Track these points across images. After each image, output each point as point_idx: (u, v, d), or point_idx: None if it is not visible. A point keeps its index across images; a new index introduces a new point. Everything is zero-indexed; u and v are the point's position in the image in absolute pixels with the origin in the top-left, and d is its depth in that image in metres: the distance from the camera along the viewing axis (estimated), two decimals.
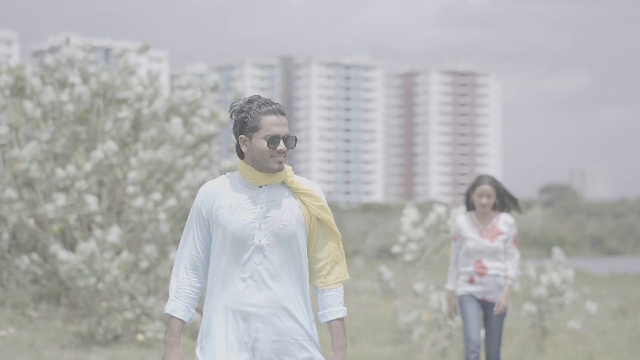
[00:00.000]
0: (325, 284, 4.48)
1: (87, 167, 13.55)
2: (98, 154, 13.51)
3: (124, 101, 14.46)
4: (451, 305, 8.47)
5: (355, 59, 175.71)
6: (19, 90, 14.85)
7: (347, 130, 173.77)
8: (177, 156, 14.04)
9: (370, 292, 19.38)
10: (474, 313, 8.36)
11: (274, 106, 4.45)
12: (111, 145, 13.52)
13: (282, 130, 4.43)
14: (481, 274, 8.35)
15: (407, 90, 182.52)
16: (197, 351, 4.41)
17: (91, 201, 13.31)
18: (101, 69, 14.41)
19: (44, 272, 14.35)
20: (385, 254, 48.30)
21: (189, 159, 14.12)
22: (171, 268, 13.46)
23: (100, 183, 13.97)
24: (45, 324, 13.46)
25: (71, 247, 13.99)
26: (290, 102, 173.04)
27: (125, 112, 14.10)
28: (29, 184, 13.77)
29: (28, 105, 13.99)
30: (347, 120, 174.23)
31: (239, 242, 4.38)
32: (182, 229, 14.24)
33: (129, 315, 12.61)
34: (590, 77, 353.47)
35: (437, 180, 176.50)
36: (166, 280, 13.65)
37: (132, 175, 13.56)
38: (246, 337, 4.37)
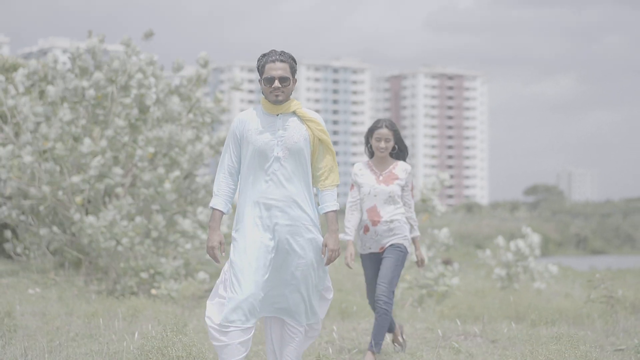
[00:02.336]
0: (324, 186, 6.25)
1: (103, 143, 15.18)
2: (109, 132, 15.16)
3: (130, 88, 15.92)
4: (348, 252, 7.97)
5: (343, 62, 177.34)
6: (41, 79, 16.42)
7: (335, 132, 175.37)
8: (178, 132, 15.54)
9: (357, 263, 20.97)
10: (374, 274, 8.15)
11: (274, 56, 6.22)
12: (120, 123, 15.11)
13: (277, 73, 6.17)
14: (375, 223, 8.11)
15: (395, 93, 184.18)
16: (234, 233, 6.13)
17: (117, 172, 14.94)
18: (112, 57, 15.94)
19: (65, 241, 15.91)
20: None
21: (189, 133, 15.62)
22: (179, 233, 15.20)
23: (115, 159, 15.57)
24: (67, 285, 14.96)
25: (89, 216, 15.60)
26: None
27: (132, 96, 15.64)
28: (55, 160, 15.35)
29: (51, 89, 15.53)
30: (335, 122, 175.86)
31: (262, 155, 6.14)
32: (185, 199, 16.03)
33: (144, 275, 14.27)
34: (578, 81, 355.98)
35: (424, 181, 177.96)
36: (176, 244, 15.28)
37: (140, 152, 15.20)
38: (268, 222, 6.13)
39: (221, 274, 6.20)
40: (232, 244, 6.13)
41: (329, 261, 6.19)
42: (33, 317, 11.65)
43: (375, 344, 7.97)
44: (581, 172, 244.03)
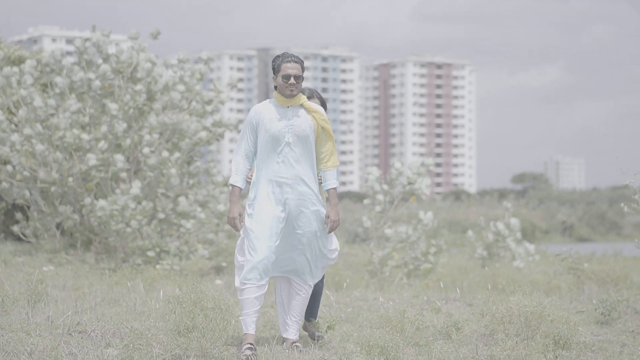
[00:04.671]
0: (326, 167, 7.52)
1: (103, 128, 16.29)
2: (105, 118, 16.29)
3: (139, 79, 17.02)
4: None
5: (332, 50, 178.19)
6: (50, 71, 17.49)
7: None
8: (181, 120, 16.64)
9: (349, 246, 22.16)
10: None
11: (290, 58, 7.46)
12: (113, 105, 16.17)
13: (292, 72, 7.42)
14: None
15: (384, 81, 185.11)
16: (247, 207, 7.30)
17: (119, 159, 16.06)
18: (119, 50, 17.04)
19: (76, 222, 16.97)
20: (361, 239, 50.56)
21: (187, 117, 16.72)
22: (181, 214, 16.38)
23: (118, 146, 16.66)
24: (79, 263, 15.95)
25: (98, 199, 16.70)
26: (267, 93, 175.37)
27: (139, 86, 16.72)
28: (65, 148, 16.43)
29: (59, 80, 16.61)
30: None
31: (275, 140, 7.38)
32: (187, 182, 17.22)
33: (150, 253, 15.40)
34: (566, 72, 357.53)
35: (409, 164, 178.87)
36: (179, 226, 16.43)
37: (147, 137, 16.32)
38: (280, 197, 7.38)
39: (239, 240, 7.45)
40: (247, 215, 7.35)
41: (331, 230, 7.48)
42: (55, 289, 12.68)
43: (310, 314, 7.95)
44: (568, 161, 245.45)
